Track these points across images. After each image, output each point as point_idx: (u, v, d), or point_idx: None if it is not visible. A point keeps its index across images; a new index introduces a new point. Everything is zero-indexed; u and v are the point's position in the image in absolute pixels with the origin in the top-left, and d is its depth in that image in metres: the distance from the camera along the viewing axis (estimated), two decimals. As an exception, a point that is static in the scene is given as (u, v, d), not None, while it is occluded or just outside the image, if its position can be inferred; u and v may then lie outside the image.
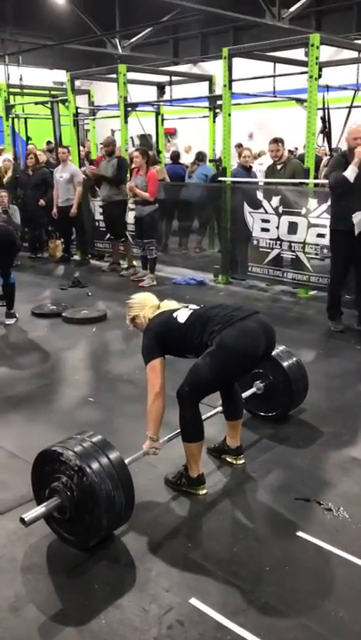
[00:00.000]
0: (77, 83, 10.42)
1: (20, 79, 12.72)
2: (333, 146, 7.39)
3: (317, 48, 6.33)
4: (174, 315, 3.15)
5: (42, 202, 8.93)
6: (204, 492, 3.10)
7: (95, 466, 2.59)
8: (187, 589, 2.43)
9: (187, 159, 11.37)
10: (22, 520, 2.53)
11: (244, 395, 3.65)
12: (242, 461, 3.36)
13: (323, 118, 6.99)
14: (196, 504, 3.03)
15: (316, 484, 3.18)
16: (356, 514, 2.91)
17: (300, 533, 2.76)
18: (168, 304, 3.36)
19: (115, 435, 3.70)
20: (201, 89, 10.04)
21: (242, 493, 3.15)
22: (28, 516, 2.54)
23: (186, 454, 3.09)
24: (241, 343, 2.92)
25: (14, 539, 2.76)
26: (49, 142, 11.86)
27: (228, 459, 3.38)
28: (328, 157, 7.40)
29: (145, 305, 3.35)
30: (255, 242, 7.12)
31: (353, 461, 3.40)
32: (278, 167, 7.09)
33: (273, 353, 3.51)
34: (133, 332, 5.77)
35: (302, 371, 3.87)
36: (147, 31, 15.40)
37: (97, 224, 9.10)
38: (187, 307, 3.22)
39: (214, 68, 10.53)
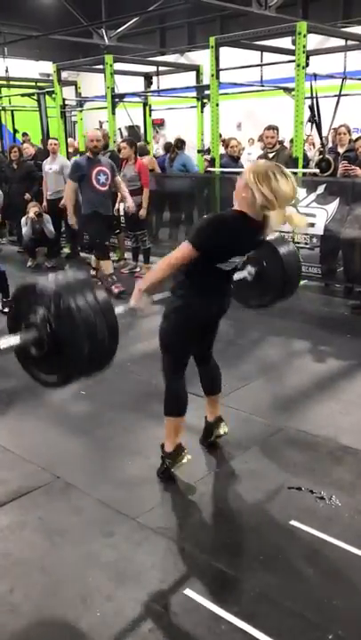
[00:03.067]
0: (64, 74, 10.32)
1: (6, 71, 12.62)
2: (323, 134, 7.36)
3: (304, 36, 6.30)
4: (231, 259, 2.83)
5: (27, 195, 8.85)
6: (188, 457, 3.08)
7: (74, 294, 2.38)
8: (181, 580, 2.44)
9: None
10: None
11: (235, 277, 3.48)
12: (225, 429, 3.36)
13: (311, 107, 6.97)
14: (189, 494, 3.04)
15: (308, 472, 3.19)
16: (349, 502, 2.92)
17: (293, 522, 2.78)
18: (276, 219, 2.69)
19: (107, 427, 3.72)
20: (188, 79, 9.98)
21: (234, 483, 3.16)
22: (1, 344, 2.41)
23: (165, 427, 3.11)
24: (198, 313, 2.98)
25: (7, 533, 2.75)
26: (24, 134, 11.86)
27: (214, 430, 3.37)
28: (319, 147, 7.38)
29: (276, 193, 2.57)
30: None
31: (344, 449, 3.42)
32: (270, 156, 7.06)
33: (268, 239, 3.34)
34: (125, 324, 5.81)
35: (297, 258, 3.69)
36: (133, 21, 15.24)
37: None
38: (236, 262, 2.92)
39: (201, 57, 10.46)
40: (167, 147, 10.20)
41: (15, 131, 12.25)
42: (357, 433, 3.59)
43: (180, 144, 9.40)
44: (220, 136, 9.95)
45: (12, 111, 12.11)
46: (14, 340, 2.46)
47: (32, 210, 8.11)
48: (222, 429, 3.38)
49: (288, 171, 2.68)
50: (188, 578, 2.46)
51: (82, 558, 2.59)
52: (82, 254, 9.04)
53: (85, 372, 2.52)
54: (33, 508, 2.93)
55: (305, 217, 2.84)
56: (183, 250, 2.74)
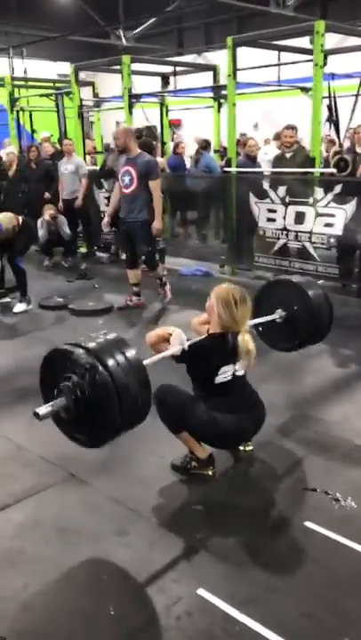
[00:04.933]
0: (82, 75, 10.37)
1: (25, 72, 12.71)
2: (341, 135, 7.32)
3: (322, 35, 6.26)
4: (221, 369, 3.02)
5: (47, 195, 8.91)
6: (213, 471, 3.12)
7: (109, 361, 2.48)
8: (195, 580, 2.43)
9: (194, 149, 11.30)
10: (36, 414, 2.51)
11: (264, 319, 3.61)
12: (250, 448, 3.35)
13: (329, 107, 6.93)
14: (204, 494, 3.03)
15: (324, 473, 3.17)
16: (365, 504, 2.90)
17: (307, 523, 2.75)
18: (245, 343, 3.03)
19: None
20: (205, 79, 9.97)
21: (249, 484, 3.15)
22: (41, 410, 2.52)
23: (183, 443, 3.13)
24: (227, 436, 3.08)
25: (22, 530, 2.77)
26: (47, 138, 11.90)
27: (238, 446, 3.37)
28: (336, 147, 7.33)
29: (234, 323, 3.04)
30: (261, 232, 7.08)
31: (359, 450, 3.38)
32: (288, 156, 7.03)
33: (297, 281, 3.60)
34: (140, 324, 5.83)
35: (328, 303, 3.72)
36: (150, 22, 15.32)
37: (103, 216, 9.06)
38: (233, 370, 3.06)
39: (219, 57, 10.44)
40: (175, 146, 10.10)
41: (33, 131, 12.32)
42: (374, 434, 3.56)
43: (204, 144, 9.41)
44: (244, 135, 9.97)
45: (30, 112, 12.18)
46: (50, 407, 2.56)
47: (47, 212, 8.15)
48: (249, 447, 3.35)
49: (246, 295, 3.07)
50: (202, 578, 2.44)
51: (96, 557, 2.59)
52: (98, 254, 9.09)
53: (119, 432, 2.63)
54: (47, 505, 2.94)
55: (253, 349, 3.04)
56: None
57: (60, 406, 2.55)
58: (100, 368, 2.45)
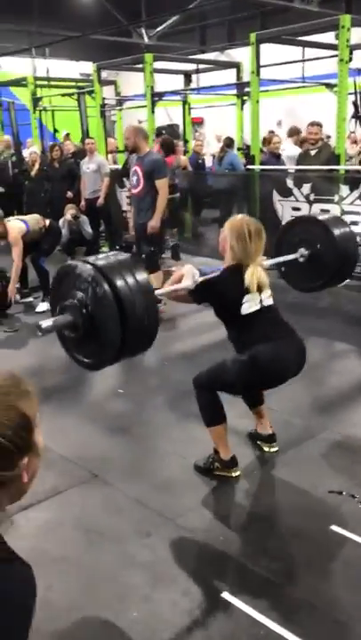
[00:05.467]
0: (104, 74, 10.39)
1: (47, 72, 12.77)
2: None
3: (348, 30, 6.17)
4: (244, 299, 2.88)
5: (69, 194, 8.94)
6: (237, 473, 3.07)
7: (112, 276, 2.41)
8: (218, 583, 2.40)
9: (217, 147, 11.27)
10: (39, 326, 2.47)
11: (285, 258, 3.51)
12: (275, 449, 3.31)
13: (355, 103, 6.83)
14: (228, 496, 3.00)
15: (349, 476, 3.10)
16: (392, 508, 2.83)
17: (333, 527, 2.70)
18: (257, 273, 2.90)
19: (144, 426, 3.70)
20: (228, 77, 9.91)
21: (273, 486, 3.11)
22: (43, 323, 2.49)
23: (212, 438, 3.07)
24: (272, 367, 2.91)
25: (45, 530, 2.76)
26: (67, 135, 11.98)
27: (262, 446, 3.34)
28: None
29: (247, 256, 2.92)
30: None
31: (388, 454, 3.32)
32: (313, 152, 6.95)
33: (323, 219, 3.49)
34: (162, 324, 5.79)
35: (354, 240, 3.61)
36: (173, 19, 15.29)
37: (125, 215, 9.07)
38: (260, 300, 2.93)
39: (242, 55, 10.37)
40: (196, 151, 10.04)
41: (55, 130, 12.38)
42: None
43: (229, 142, 9.37)
44: (272, 132, 9.86)
45: (53, 111, 12.24)
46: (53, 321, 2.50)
47: (69, 212, 8.17)
48: (273, 448, 3.32)
49: (261, 227, 2.95)
50: (227, 581, 2.41)
51: (119, 558, 2.57)
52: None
53: (125, 354, 2.54)
54: (70, 505, 2.93)
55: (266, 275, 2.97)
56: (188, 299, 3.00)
57: (64, 323, 2.49)
58: (103, 280, 2.39)
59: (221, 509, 2.91)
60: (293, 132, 9.31)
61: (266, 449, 3.32)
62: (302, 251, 3.57)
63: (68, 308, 2.49)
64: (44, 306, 6.17)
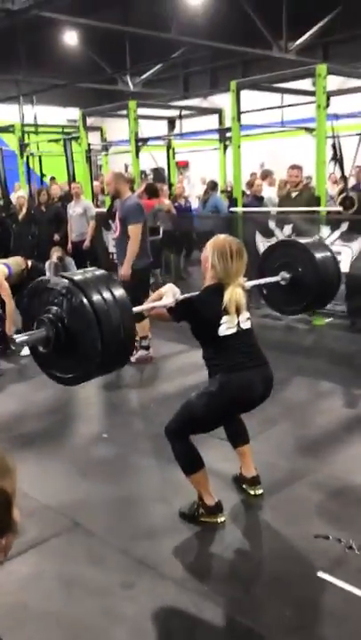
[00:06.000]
0: (91, 120, 10.60)
1: (35, 118, 13.03)
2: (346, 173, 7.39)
3: (325, 78, 6.37)
4: (222, 319, 2.86)
5: (56, 237, 9.01)
6: (223, 519, 3.02)
7: (89, 289, 2.40)
8: (204, 637, 2.33)
9: (202, 190, 11.47)
10: (12, 340, 2.46)
11: (267, 280, 3.52)
12: (260, 491, 3.26)
13: (334, 146, 7.00)
14: (212, 543, 2.94)
15: (336, 520, 3.07)
16: (380, 552, 2.79)
17: (320, 574, 2.65)
18: (236, 295, 2.87)
19: (128, 472, 3.65)
20: (211, 121, 10.16)
21: (259, 531, 3.06)
22: (18, 337, 2.47)
23: (194, 486, 3.03)
24: (240, 395, 2.93)
25: (25, 583, 2.68)
26: (52, 178, 12.19)
27: (247, 489, 3.28)
28: (341, 185, 7.39)
29: (228, 276, 2.89)
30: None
31: (374, 496, 3.29)
32: (294, 195, 7.08)
33: (301, 242, 3.55)
34: (147, 366, 5.78)
35: (335, 263, 3.63)
36: (157, 68, 15.73)
37: (111, 257, 9.14)
38: (237, 322, 2.89)
39: (224, 100, 10.65)
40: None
41: (43, 175, 12.56)
42: (387, 478, 3.46)
43: (212, 185, 9.54)
44: (255, 174, 10.07)
45: (40, 157, 12.44)
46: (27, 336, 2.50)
47: (55, 254, 8.23)
48: (258, 491, 3.26)
49: (243, 248, 2.96)
50: (212, 635, 2.35)
51: (101, 612, 2.50)
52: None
53: (102, 367, 2.52)
54: (52, 557, 2.86)
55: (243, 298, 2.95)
56: (164, 316, 3.01)
57: (38, 337, 2.45)
58: (79, 292, 2.37)
59: (206, 557, 2.85)
60: (266, 175, 9.55)
61: (251, 492, 3.27)
62: (284, 274, 3.60)
63: (42, 322, 2.46)
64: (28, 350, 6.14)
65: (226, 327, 2.88)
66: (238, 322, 2.91)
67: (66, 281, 2.47)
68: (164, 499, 3.30)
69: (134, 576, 2.70)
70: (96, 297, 2.40)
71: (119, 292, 2.51)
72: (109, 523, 3.12)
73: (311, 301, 3.70)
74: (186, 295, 2.98)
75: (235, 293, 2.88)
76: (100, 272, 2.61)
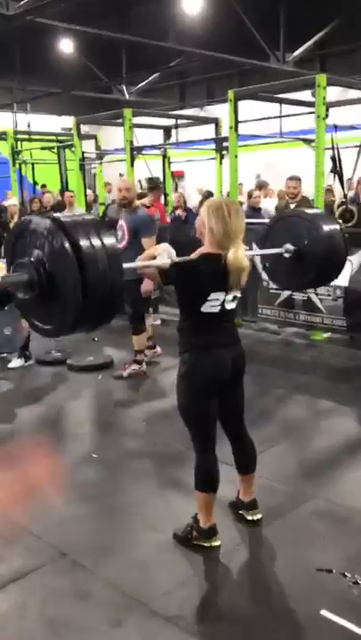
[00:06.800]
0: (86, 128, 10.46)
1: (29, 125, 12.90)
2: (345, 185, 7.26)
3: (324, 88, 6.26)
4: (210, 296, 2.69)
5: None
6: (217, 543, 2.85)
7: (73, 231, 2.23)
8: None
9: (197, 200, 11.34)
10: None
11: (270, 251, 3.39)
12: (258, 516, 3.07)
13: (333, 158, 6.88)
14: (208, 576, 2.75)
15: (340, 551, 2.88)
16: (387, 588, 2.61)
17: (323, 612, 2.46)
18: (236, 259, 2.67)
19: (119, 496, 3.46)
20: (207, 132, 10.03)
21: (257, 564, 2.87)
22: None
23: (196, 503, 2.87)
24: (210, 373, 2.80)
25: (6, 621, 2.48)
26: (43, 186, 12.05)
27: (244, 514, 3.09)
28: (343, 196, 7.27)
29: (227, 237, 2.69)
30: (265, 283, 6.92)
31: (379, 524, 3.11)
32: (292, 206, 6.94)
33: (307, 214, 3.45)
34: (140, 381, 5.59)
35: (342, 236, 3.50)
36: (153, 77, 15.64)
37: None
38: (223, 300, 2.73)
39: (220, 111, 10.54)
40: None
41: (35, 183, 12.41)
42: (392, 504, 3.28)
43: (208, 195, 9.41)
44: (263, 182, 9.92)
45: (33, 164, 12.29)
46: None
47: None
48: (256, 516, 3.08)
49: (240, 207, 2.83)
50: None
51: (86, 654, 2.30)
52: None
53: (86, 320, 2.36)
54: (35, 590, 2.66)
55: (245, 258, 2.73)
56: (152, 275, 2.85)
57: (17, 280, 2.29)
58: (62, 234, 2.20)
59: (201, 592, 2.65)
60: (261, 186, 9.43)
61: (248, 517, 3.07)
62: (288, 246, 3.44)
63: (22, 265, 2.30)
64: (18, 362, 5.94)
65: (210, 305, 2.71)
66: (224, 300, 2.74)
67: (48, 221, 2.29)
68: (156, 526, 3.10)
69: (123, 613, 2.50)
70: (81, 241, 2.24)
71: (109, 240, 2.34)
72: (98, 552, 2.91)
73: (315, 276, 3.54)
74: (182, 258, 2.79)
75: (238, 256, 2.66)
76: (89, 216, 2.46)
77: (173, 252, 2.80)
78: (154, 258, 2.83)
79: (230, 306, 2.79)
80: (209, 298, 2.69)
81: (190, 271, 2.72)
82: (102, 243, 2.29)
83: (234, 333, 2.92)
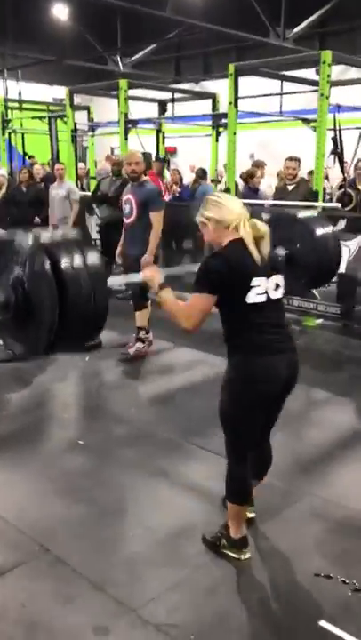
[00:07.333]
0: (78, 99, 10.10)
1: (19, 94, 12.49)
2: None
3: (329, 65, 6.01)
4: (253, 281, 2.43)
5: (37, 219, 8.55)
6: (248, 556, 2.68)
7: (57, 250, 2.15)
8: None
9: (190, 177, 11.06)
10: None
11: None
12: (251, 514, 2.91)
13: (334, 139, 6.67)
14: (200, 580, 2.59)
15: (339, 554, 2.75)
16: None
17: (322, 623, 2.32)
18: (263, 230, 2.51)
19: (106, 488, 3.29)
20: (203, 107, 9.75)
21: (252, 568, 2.69)
22: None
23: (228, 512, 2.70)
24: (262, 385, 2.51)
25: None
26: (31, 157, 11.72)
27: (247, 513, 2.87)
28: (342, 179, 7.07)
29: (230, 213, 2.51)
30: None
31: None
32: (290, 187, 6.73)
33: (300, 216, 3.23)
34: (130, 364, 5.41)
35: (336, 240, 3.36)
36: (149, 49, 15.21)
37: (94, 243, 8.72)
38: (264, 287, 2.47)
39: (217, 87, 10.24)
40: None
41: (25, 153, 12.06)
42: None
43: (202, 173, 9.16)
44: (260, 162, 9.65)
45: (23, 134, 11.92)
46: None
47: None
48: (248, 513, 2.88)
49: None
50: None
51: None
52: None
53: (65, 341, 2.25)
54: (15, 591, 2.49)
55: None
56: (195, 304, 2.48)
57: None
58: (42, 254, 2.11)
59: (192, 598, 2.49)
60: (257, 166, 9.15)
61: (250, 514, 2.90)
62: (280, 250, 3.28)
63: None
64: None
65: (255, 293, 2.44)
66: (267, 289, 2.48)
67: (31, 239, 2.16)
68: (146, 522, 2.95)
69: (109, 618, 2.34)
70: (63, 262, 2.12)
71: (93, 257, 2.21)
72: (84, 550, 2.75)
73: (311, 279, 3.38)
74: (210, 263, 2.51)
75: (254, 223, 2.49)
76: (72, 233, 2.36)
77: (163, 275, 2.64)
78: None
79: (275, 295, 2.52)
80: (252, 283, 2.43)
81: (221, 264, 2.45)
82: (86, 263, 2.18)
83: (289, 337, 2.64)
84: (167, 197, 8.70)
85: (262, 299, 2.47)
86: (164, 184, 9.06)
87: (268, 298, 2.49)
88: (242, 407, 2.54)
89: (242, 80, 6.98)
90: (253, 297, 2.45)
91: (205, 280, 2.46)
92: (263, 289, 2.47)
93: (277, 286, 2.54)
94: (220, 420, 2.61)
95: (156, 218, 5.21)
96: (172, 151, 15.46)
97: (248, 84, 7.50)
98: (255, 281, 2.44)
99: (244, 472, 2.65)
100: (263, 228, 2.52)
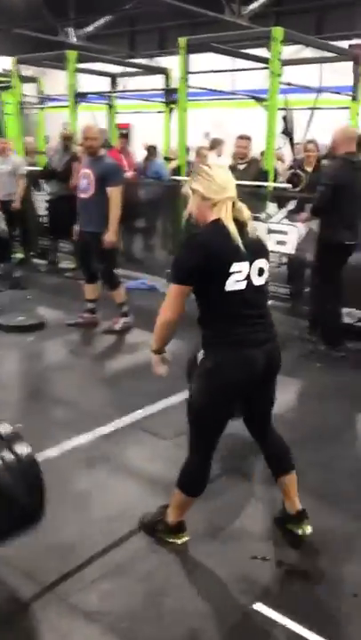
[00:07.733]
0: (30, 71, 9.75)
1: None
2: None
3: (280, 42, 5.94)
4: (232, 266, 2.30)
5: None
6: (185, 539, 2.63)
7: None
8: None
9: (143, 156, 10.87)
10: None
11: None
12: (309, 530, 2.68)
13: (285, 118, 6.62)
14: (136, 567, 2.54)
15: (276, 538, 2.72)
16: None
17: (257, 606, 2.30)
18: (247, 214, 2.42)
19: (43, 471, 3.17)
20: (157, 83, 9.56)
21: (192, 551, 2.65)
22: None
23: (172, 498, 2.61)
24: (237, 375, 2.42)
25: None
26: None
27: (292, 529, 2.71)
28: (292, 159, 7.03)
29: (217, 193, 2.38)
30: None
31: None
32: (241, 167, 6.65)
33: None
34: (75, 344, 5.30)
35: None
36: (103, 21, 14.83)
37: (41, 220, 8.49)
38: (246, 272, 2.34)
39: (170, 63, 10.05)
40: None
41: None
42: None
43: (152, 150, 8.99)
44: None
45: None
46: None
47: None
48: (308, 530, 2.69)
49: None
50: None
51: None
52: (35, 261, 8.49)
53: None
54: None
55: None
56: (173, 294, 2.37)
57: None
58: None
59: (128, 584, 2.42)
60: (215, 144, 9.05)
61: (298, 532, 2.69)
62: None
63: None
64: None
65: (235, 280, 2.31)
66: (249, 274, 2.35)
67: None
68: (80, 506, 2.87)
69: (39, 607, 2.26)
70: None
71: (23, 450, 2.19)
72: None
73: None
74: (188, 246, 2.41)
75: (240, 207, 2.39)
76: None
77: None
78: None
79: (258, 281, 2.38)
80: (232, 269, 2.30)
81: (200, 244, 2.34)
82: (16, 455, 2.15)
83: (269, 326, 2.49)
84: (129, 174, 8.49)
85: (242, 285, 2.33)
86: (127, 160, 8.86)
87: (250, 284, 2.35)
88: (211, 397, 2.44)
89: (198, 57, 6.87)
90: (232, 284, 2.31)
91: (181, 272, 2.37)
92: (244, 275, 2.33)
93: (261, 271, 2.41)
94: (188, 413, 2.51)
95: (115, 193, 5.11)
96: (127, 127, 15.19)
97: (204, 61, 7.38)
98: (235, 266, 2.31)
99: (203, 466, 2.55)
100: (247, 212, 2.42)
